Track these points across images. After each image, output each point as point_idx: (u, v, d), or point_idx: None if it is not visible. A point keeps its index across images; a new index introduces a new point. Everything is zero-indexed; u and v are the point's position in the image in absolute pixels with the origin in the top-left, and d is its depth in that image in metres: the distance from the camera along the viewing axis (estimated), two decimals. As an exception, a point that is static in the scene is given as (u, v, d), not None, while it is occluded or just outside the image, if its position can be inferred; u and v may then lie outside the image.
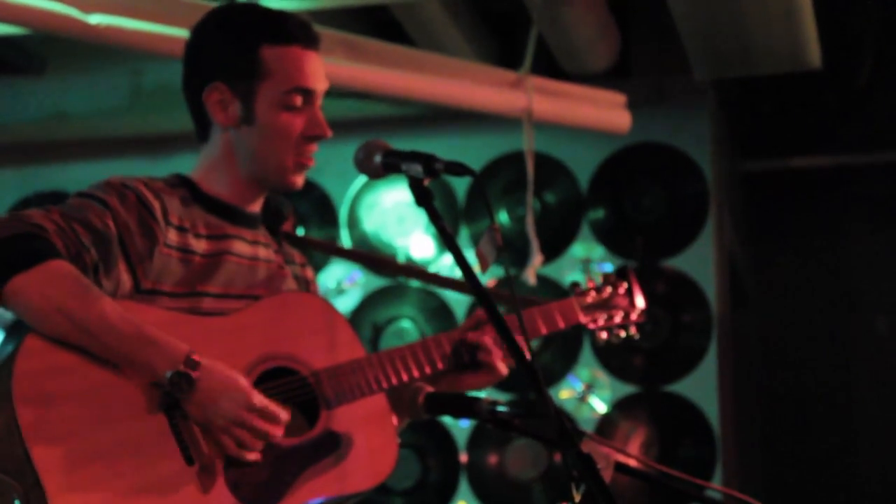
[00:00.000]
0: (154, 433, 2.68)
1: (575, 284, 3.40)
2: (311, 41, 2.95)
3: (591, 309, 3.36)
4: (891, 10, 6.60)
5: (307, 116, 2.93)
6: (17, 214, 2.69)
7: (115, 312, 2.66)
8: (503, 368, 3.14)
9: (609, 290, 3.39)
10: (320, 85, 2.95)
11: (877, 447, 7.54)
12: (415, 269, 3.82)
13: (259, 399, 2.73)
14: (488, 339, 3.11)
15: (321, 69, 2.96)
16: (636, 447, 6.20)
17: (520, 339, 2.64)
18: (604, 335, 3.39)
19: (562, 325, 3.28)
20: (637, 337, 3.43)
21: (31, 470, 2.56)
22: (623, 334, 3.41)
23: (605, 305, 3.37)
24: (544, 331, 3.26)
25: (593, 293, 3.37)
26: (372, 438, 2.94)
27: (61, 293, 2.63)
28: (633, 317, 3.40)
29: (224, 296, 2.88)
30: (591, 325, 3.36)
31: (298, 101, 2.91)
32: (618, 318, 3.39)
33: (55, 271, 2.64)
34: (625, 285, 3.41)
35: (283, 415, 2.76)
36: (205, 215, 2.92)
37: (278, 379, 2.85)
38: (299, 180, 2.96)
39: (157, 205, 2.83)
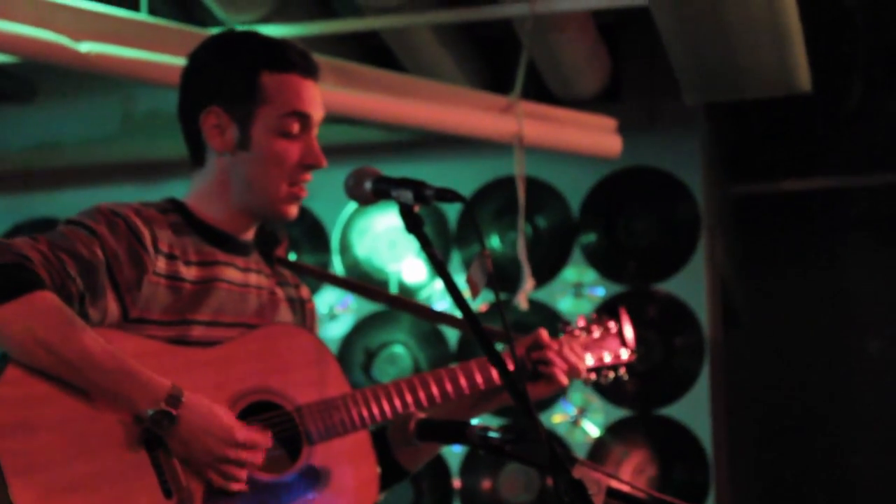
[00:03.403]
0: (132, 465, 2.65)
1: (566, 324, 3.34)
2: (310, 70, 2.95)
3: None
4: (880, 34, 6.62)
5: (303, 145, 2.92)
6: (3, 243, 2.67)
7: (97, 346, 2.63)
8: (564, 379, 3.18)
9: (599, 330, 3.34)
10: (317, 112, 2.94)
11: (872, 469, 7.53)
12: (405, 302, 3.78)
13: (243, 434, 2.71)
14: (552, 353, 3.15)
15: (319, 98, 2.96)
16: (629, 472, 6.18)
17: (511, 364, 2.62)
18: (592, 376, 3.32)
19: None
20: (626, 378, 3.37)
21: (6, 499, 2.53)
22: (612, 375, 3.34)
23: (595, 347, 3.31)
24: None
25: (583, 334, 3.31)
26: (353, 474, 2.92)
27: (43, 326, 2.60)
28: (624, 358, 3.35)
29: (214, 324, 2.86)
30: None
31: (295, 127, 2.91)
32: (608, 360, 3.33)
33: (39, 303, 2.61)
34: (615, 325, 3.36)
35: (266, 440, 2.74)
36: (196, 242, 2.90)
37: (261, 413, 2.82)
38: (293, 210, 2.94)
39: (146, 233, 2.81)
